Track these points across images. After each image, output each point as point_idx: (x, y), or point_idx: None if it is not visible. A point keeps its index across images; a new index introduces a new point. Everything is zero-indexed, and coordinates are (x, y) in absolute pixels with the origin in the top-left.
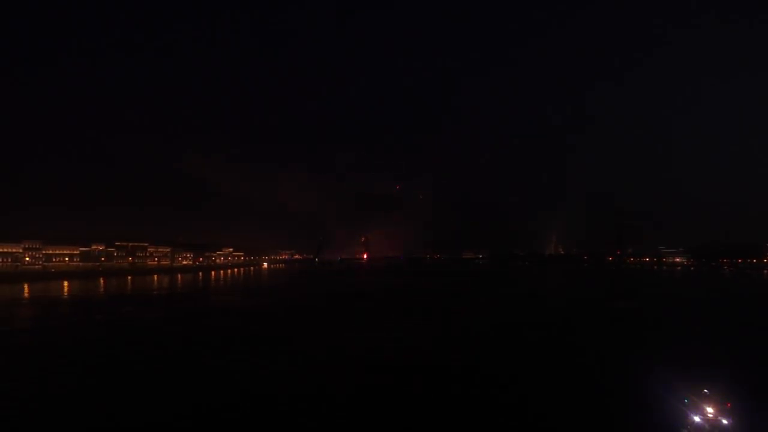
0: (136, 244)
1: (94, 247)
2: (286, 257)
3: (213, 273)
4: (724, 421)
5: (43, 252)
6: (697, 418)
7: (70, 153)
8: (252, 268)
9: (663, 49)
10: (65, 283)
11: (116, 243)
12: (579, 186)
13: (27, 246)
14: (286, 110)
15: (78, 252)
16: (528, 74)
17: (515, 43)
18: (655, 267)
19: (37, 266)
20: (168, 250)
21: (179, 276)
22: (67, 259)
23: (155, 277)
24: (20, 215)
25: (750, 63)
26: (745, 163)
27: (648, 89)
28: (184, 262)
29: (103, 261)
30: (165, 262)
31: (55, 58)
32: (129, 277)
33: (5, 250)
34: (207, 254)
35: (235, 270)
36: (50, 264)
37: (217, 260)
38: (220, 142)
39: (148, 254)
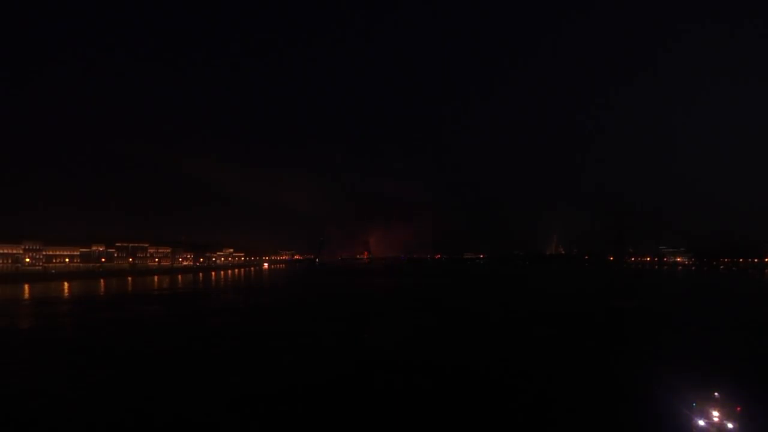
0: (136, 244)
1: (94, 247)
2: (287, 257)
3: (213, 274)
4: (730, 425)
5: (44, 253)
6: (701, 422)
7: (71, 154)
8: (252, 268)
9: (663, 50)
10: (65, 284)
11: (116, 244)
12: (580, 186)
13: (27, 247)
14: (286, 110)
15: (78, 253)
16: (528, 75)
17: (516, 43)
18: (656, 267)
19: (37, 267)
20: (168, 250)
21: (180, 276)
22: (67, 260)
23: (155, 277)
24: (21, 216)
25: (750, 63)
26: (746, 163)
27: (648, 90)
28: (185, 263)
29: (103, 262)
30: (165, 263)
31: (55, 58)
32: (129, 278)
33: (6, 251)
34: (207, 255)
35: (236, 270)
36: (51, 265)
37: (218, 261)
38: (221, 142)
39: (148, 255)
